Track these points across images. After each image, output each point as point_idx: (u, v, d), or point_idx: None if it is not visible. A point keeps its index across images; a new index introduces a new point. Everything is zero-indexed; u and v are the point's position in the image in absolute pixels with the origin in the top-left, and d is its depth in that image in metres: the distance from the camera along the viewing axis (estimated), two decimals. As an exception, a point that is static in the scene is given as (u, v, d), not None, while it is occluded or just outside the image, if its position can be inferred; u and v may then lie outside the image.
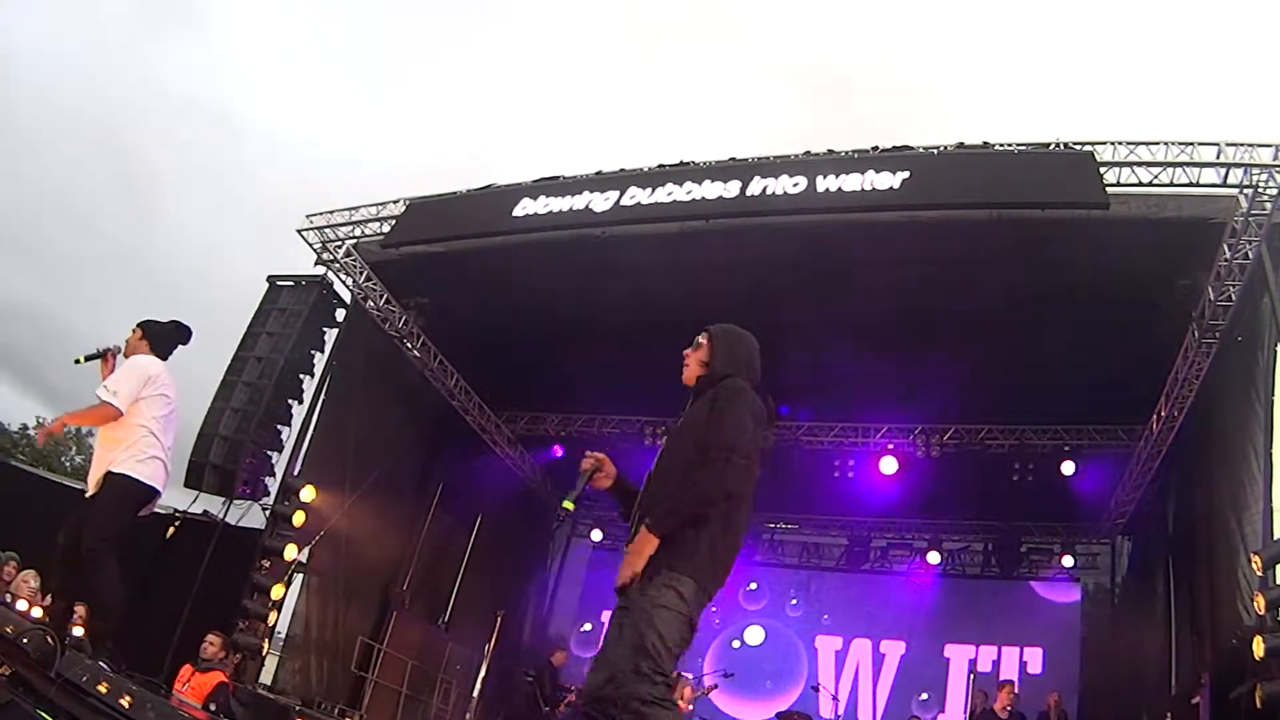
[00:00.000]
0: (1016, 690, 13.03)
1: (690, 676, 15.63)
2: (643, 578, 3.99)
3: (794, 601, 19.40)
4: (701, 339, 4.86)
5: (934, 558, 18.03)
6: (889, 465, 16.31)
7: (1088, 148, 11.50)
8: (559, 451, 19.30)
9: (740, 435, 4.20)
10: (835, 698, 15.44)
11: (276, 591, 14.99)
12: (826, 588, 19.41)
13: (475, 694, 16.82)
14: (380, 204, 16.40)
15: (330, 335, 16.29)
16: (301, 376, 15.86)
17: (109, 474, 6.51)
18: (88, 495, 6.65)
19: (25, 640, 4.80)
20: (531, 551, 21.48)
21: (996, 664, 16.78)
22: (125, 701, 4.58)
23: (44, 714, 4.20)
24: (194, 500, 15.57)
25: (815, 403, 16.22)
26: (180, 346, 7.42)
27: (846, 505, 18.17)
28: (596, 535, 21.78)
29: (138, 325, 7.14)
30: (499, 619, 16.96)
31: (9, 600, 10.14)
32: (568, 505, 4.63)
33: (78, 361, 7.00)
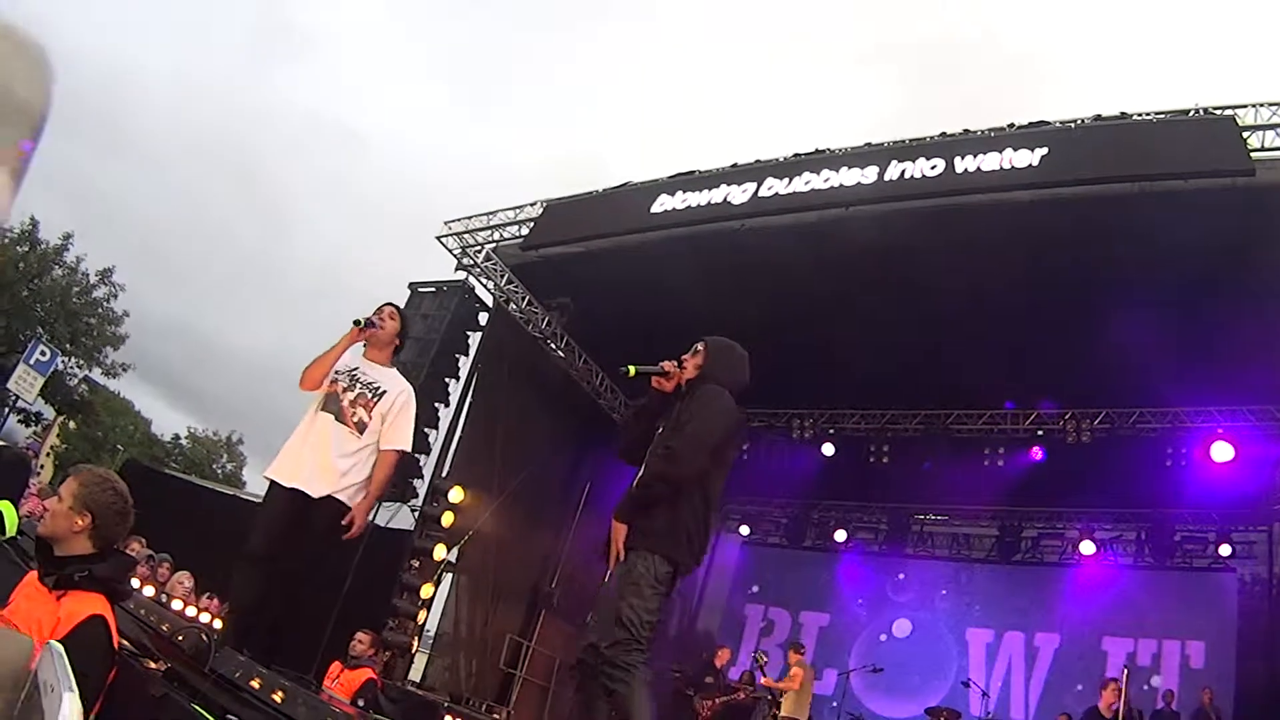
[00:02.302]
0: (1123, 687, 12.76)
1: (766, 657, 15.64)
2: (626, 556, 5.10)
3: (943, 593, 19.02)
4: (699, 346, 5.83)
5: (1087, 547, 17.26)
6: (1037, 452, 16.13)
7: (1228, 112, 11.25)
8: None
9: (707, 431, 5.23)
10: (985, 693, 15.18)
11: (426, 590, 15.66)
12: (976, 580, 18.92)
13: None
14: (517, 207, 17.03)
15: (474, 339, 16.88)
16: (447, 380, 16.42)
17: (341, 503, 6.30)
18: (305, 497, 6.24)
19: (180, 638, 5.11)
20: None
21: (1156, 658, 16.31)
22: (277, 696, 4.64)
23: (198, 708, 4.26)
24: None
25: (963, 390, 16.01)
26: None
27: (997, 494, 17.63)
28: (745, 530, 21.69)
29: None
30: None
31: (165, 600, 10.56)
32: (630, 370, 5.85)
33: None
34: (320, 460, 6.32)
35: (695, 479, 5.19)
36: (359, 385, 6.61)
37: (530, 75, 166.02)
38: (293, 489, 6.25)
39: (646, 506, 5.19)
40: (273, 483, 6.38)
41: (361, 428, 6.50)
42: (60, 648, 1.41)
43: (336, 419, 6.45)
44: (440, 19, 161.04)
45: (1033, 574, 18.41)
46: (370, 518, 16.08)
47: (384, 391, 6.64)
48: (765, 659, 15.20)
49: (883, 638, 18.80)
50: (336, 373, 6.60)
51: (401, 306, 7.17)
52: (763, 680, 14.77)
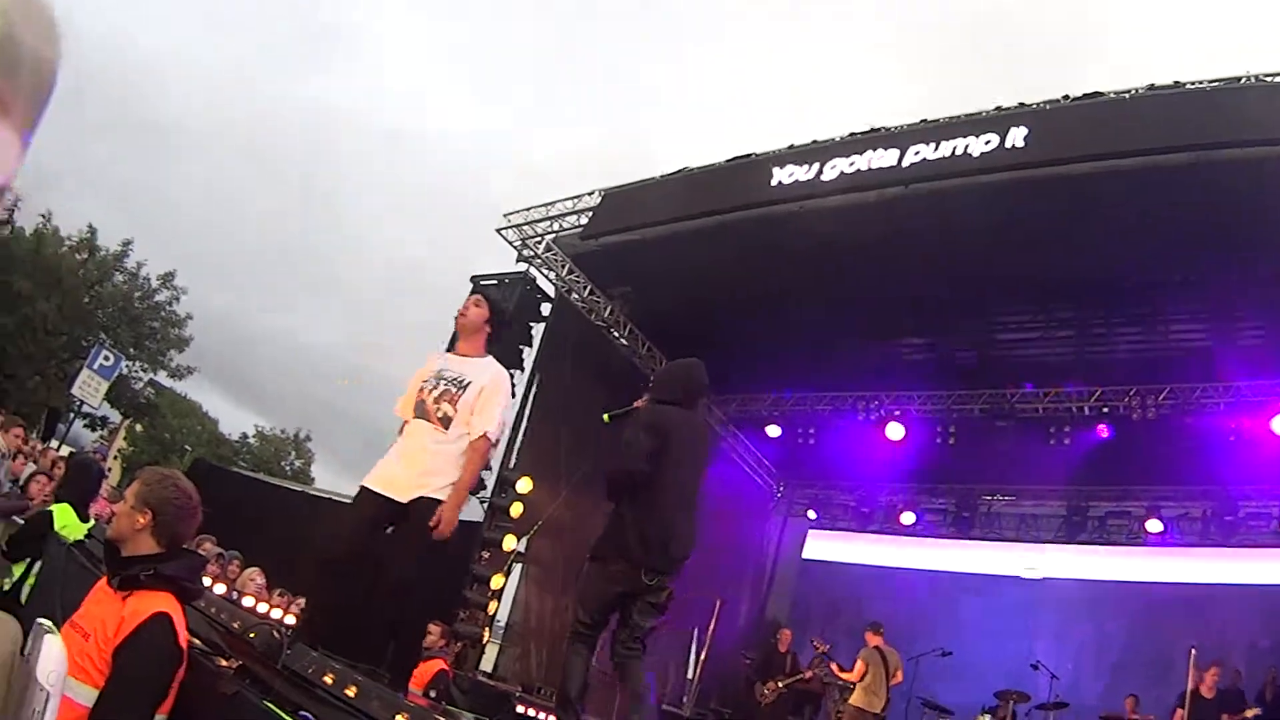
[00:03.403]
0: (1218, 670, 12.71)
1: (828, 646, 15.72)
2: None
3: (1012, 575, 18.98)
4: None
5: (1154, 525, 17.29)
6: (1102, 430, 15.96)
7: (1280, 78, 11.16)
8: (774, 431, 19.41)
9: (625, 445, 6.18)
10: (1055, 676, 15.15)
11: (496, 581, 16.01)
12: (1047, 561, 18.82)
13: (692, 677, 17.23)
14: (575, 197, 17.38)
15: (537, 330, 17.09)
16: (512, 371, 16.52)
17: (432, 500, 6.19)
18: (392, 502, 6.19)
19: (252, 634, 5.19)
20: (748, 533, 21.63)
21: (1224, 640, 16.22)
22: (350, 691, 4.72)
23: (270, 705, 4.23)
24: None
25: (1028, 368, 16.01)
26: None
27: (1064, 474, 17.53)
28: (812, 514, 21.92)
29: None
30: (718, 603, 17.31)
31: (236, 597, 10.75)
32: (606, 417, 6.65)
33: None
34: (407, 462, 6.30)
35: (622, 486, 6.19)
36: (443, 382, 6.48)
37: (578, 66, 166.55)
38: (379, 494, 6.21)
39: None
40: (362, 489, 6.35)
41: (446, 422, 6.37)
42: (47, 637, 1.55)
43: (423, 419, 6.39)
44: (486, 17, 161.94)
45: (1101, 555, 18.31)
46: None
47: (468, 383, 6.46)
48: (824, 647, 15.31)
49: (951, 620, 18.76)
50: (424, 379, 6.54)
51: (484, 294, 6.95)
52: (833, 668, 14.93)
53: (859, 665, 13.89)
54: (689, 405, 6.58)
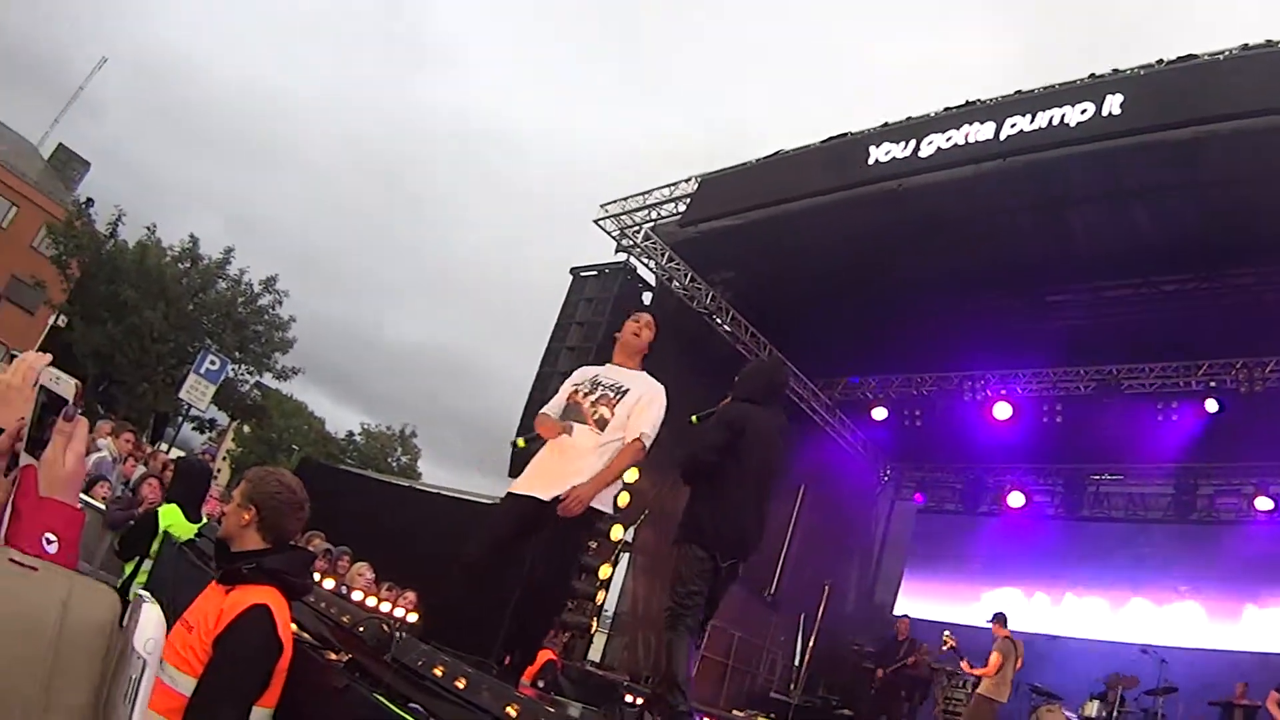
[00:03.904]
0: None
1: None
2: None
3: (1121, 556, 18.62)
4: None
5: (1264, 503, 17.01)
6: (1211, 405, 15.69)
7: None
8: (880, 414, 19.47)
9: (699, 438, 6.52)
10: (1163, 660, 14.94)
11: (604, 571, 16.36)
12: (1154, 541, 18.56)
13: (800, 664, 17.33)
14: (672, 184, 17.57)
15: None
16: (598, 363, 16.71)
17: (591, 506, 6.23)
18: (537, 502, 6.20)
19: (361, 628, 5.26)
20: (855, 518, 21.77)
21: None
22: (460, 683, 4.73)
23: (380, 698, 4.40)
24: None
25: (1134, 343, 15.84)
26: None
27: (1171, 451, 17.33)
28: (920, 497, 22.04)
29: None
30: (826, 589, 17.42)
31: (345, 592, 10.97)
32: (694, 419, 6.76)
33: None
34: (559, 463, 6.29)
35: (693, 475, 6.50)
36: (600, 388, 6.59)
37: (664, 57, 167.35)
38: (526, 495, 6.26)
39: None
40: (507, 494, 6.50)
41: (602, 424, 6.42)
42: (146, 605, 1.68)
43: (579, 422, 6.40)
44: (568, 16, 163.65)
45: (1209, 533, 18.09)
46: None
47: (627, 389, 6.57)
48: (953, 641, 15.24)
49: (1060, 603, 18.77)
50: (577, 384, 6.65)
51: (651, 313, 7.31)
52: (963, 666, 14.77)
53: (994, 658, 13.66)
54: (768, 404, 6.83)
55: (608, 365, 6.85)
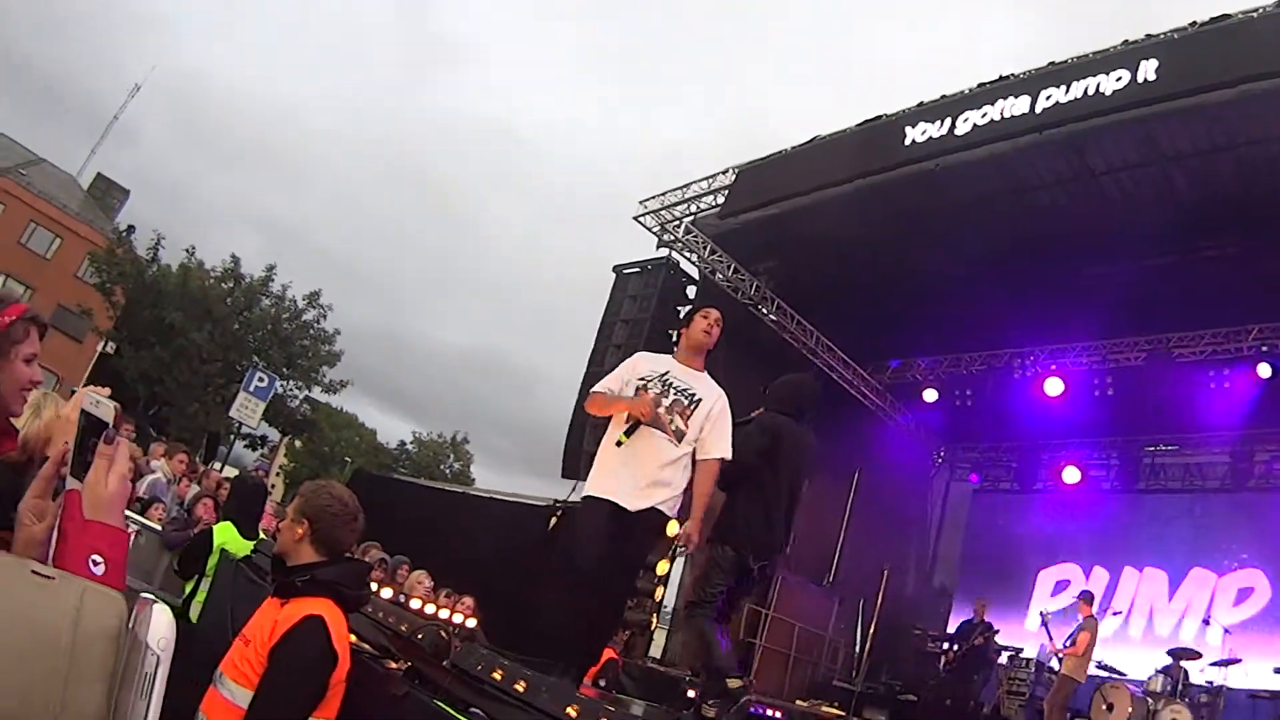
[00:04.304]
0: None
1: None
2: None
3: (1180, 529, 18.46)
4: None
5: None
6: (1263, 370, 15.45)
7: None
8: (931, 396, 19.43)
9: (745, 442, 6.64)
10: (1227, 630, 14.75)
11: (661, 567, 16.49)
12: (1212, 511, 18.31)
13: (862, 651, 17.36)
14: (710, 177, 17.72)
15: (684, 313, 17.22)
16: (662, 356, 16.78)
17: (660, 514, 6.25)
18: (623, 511, 6.17)
19: (420, 635, 5.53)
20: (910, 502, 21.75)
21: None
22: (520, 686, 4.79)
23: (441, 703, 4.48)
24: (572, 490, 16.79)
25: (1179, 312, 15.70)
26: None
27: (1226, 419, 17.14)
28: (975, 477, 22.00)
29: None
30: (885, 574, 17.43)
31: (404, 600, 11.09)
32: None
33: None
34: (641, 473, 6.23)
35: (734, 478, 6.64)
36: (674, 392, 6.43)
37: (686, 52, 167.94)
38: (608, 501, 6.18)
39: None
40: (591, 499, 6.32)
41: (679, 436, 6.35)
42: (155, 606, 1.72)
43: (658, 431, 6.31)
44: (591, 11, 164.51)
45: (1268, 500, 17.71)
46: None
47: (700, 399, 6.46)
48: (1048, 615, 15.20)
49: (1120, 577, 18.67)
50: (646, 379, 6.47)
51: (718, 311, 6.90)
52: (1048, 646, 14.70)
53: (1084, 637, 13.68)
54: (799, 417, 7.13)
55: (672, 361, 6.67)
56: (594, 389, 6.59)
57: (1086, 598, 14.18)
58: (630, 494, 6.17)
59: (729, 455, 6.40)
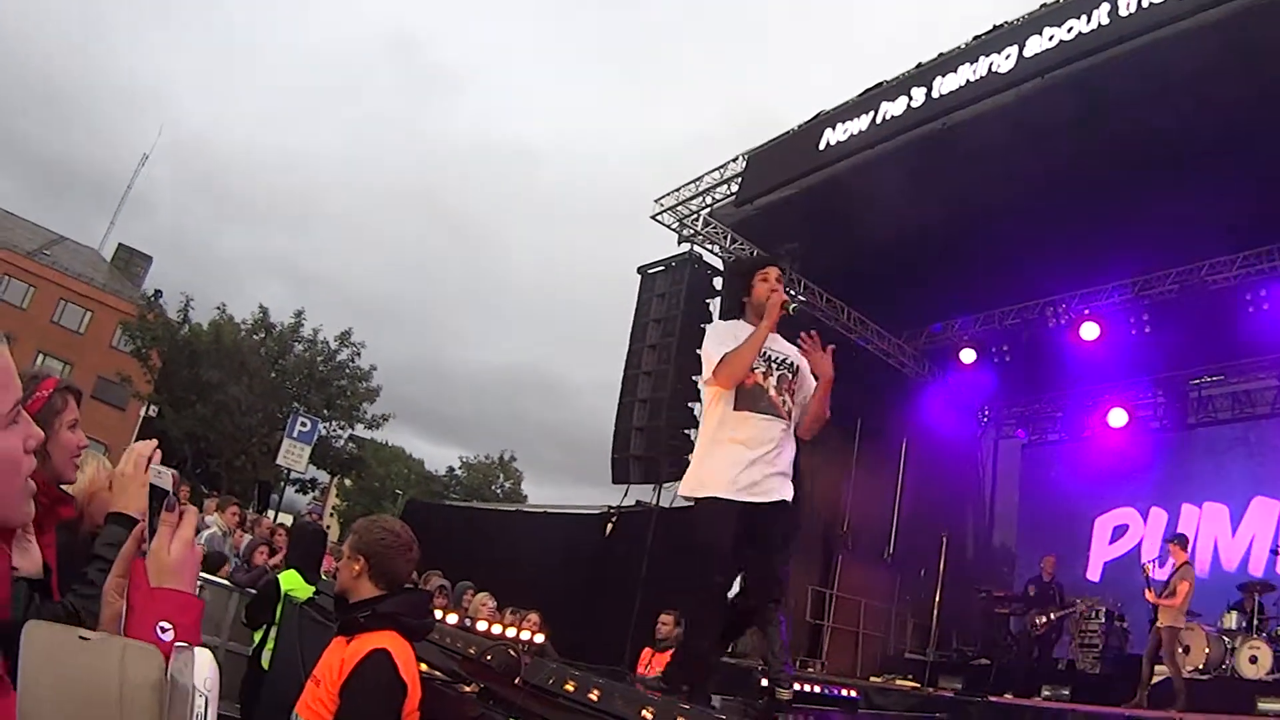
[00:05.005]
0: None
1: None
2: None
3: (1237, 459, 18.09)
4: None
5: None
6: None
7: None
8: (969, 356, 19.31)
9: None
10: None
11: (723, 560, 15.96)
12: (1268, 437, 17.85)
13: (930, 620, 17.30)
14: (721, 166, 17.79)
15: (714, 305, 17.38)
16: (697, 352, 16.81)
17: (789, 506, 6.01)
18: (754, 507, 5.82)
19: (488, 656, 5.54)
20: (961, 465, 21.51)
21: None
22: (594, 695, 4.80)
23: None
24: (625, 494, 16.82)
25: (1206, 235, 15.28)
26: None
27: (1269, 341, 16.67)
28: (1023, 433, 21.88)
29: None
30: (944, 540, 17.37)
31: (469, 623, 11.14)
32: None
33: None
34: (771, 464, 5.87)
35: None
36: (776, 367, 6.07)
37: (673, 48, 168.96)
38: (740, 502, 5.77)
39: None
40: (716, 500, 5.83)
41: (789, 415, 6.07)
42: (196, 651, 1.75)
43: (770, 414, 5.97)
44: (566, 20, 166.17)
45: None
46: (653, 502, 16.93)
47: (797, 366, 6.15)
48: (1148, 568, 14.84)
49: (1180, 516, 18.27)
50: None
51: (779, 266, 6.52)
52: (1147, 595, 13.75)
53: (1183, 587, 12.90)
54: None
55: (752, 329, 6.07)
56: (718, 363, 5.92)
57: (1181, 541, 13.65)
58: (764, 488, 5.83)
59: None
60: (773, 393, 5.98)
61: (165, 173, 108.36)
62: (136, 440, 3.06)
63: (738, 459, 5.84)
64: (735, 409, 5.94)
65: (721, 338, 6.05)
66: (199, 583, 2.03)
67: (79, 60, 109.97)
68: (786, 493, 5.92)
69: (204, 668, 1.67)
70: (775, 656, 6.83)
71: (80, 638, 1.67)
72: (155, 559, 1.92)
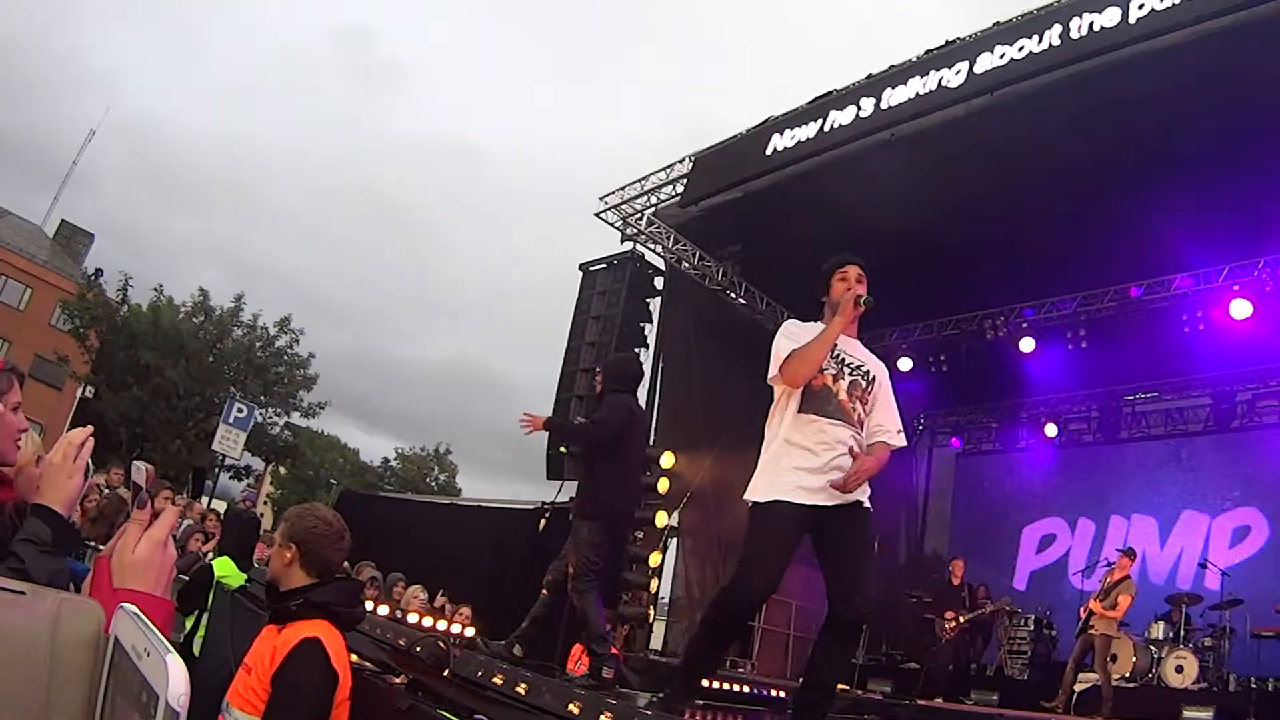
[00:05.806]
0: None
1: None
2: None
3: (1167, 475, 18.25)
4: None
5: None
6: (1237, 309, 15.01)
7: None
8: (906, 365, 19.10)
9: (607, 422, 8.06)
10: (1225, 573, 14.62)
11: (654, 559, 16.62)
12: (1199, 455, 18.08)
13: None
14: (667, 167, 17.69)
15: (654, 304, 17.36)
16: (637, 350, 16.92)
17: (867, 509, 5.88)
18: (821, 511, 5.66)
19: (418, 648, 5.59)
20: (895, 471, 21.08)
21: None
22: (521, 689, 4.81)
23: (445, 713, 4.58)
24: (559, 490, 16.76)
25: (1146, 255, 15.41)
26: None
27: (1203, 361, 16.99)
28: (956, 442, 21.94)
29: None
30: (875, 545, 17.38)
31: (400, 616, 11.14)
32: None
33: None
34: (840, 469, 5.58)
35: (593, 457, 8.24)
36: (849, 372, 5.84)
37: (620, 51, 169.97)
38: (809, 505, 5.59)
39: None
40: (778, 504, 5.62)
41: (862, 422, 5.82)
42: (133, 609, 1.68)
43: (841, 420, 5.71)
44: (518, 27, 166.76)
45: (1255, 438, 17.55)
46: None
47: (874, 376, 5.95)
48: (1089, 572, 14.82)
49: (1108, 528, 18.46)
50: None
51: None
52: (1093, 605, 13.48)
53: (1124, 600, 12.92)
54: (634, 394, 8.57)
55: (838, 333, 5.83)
56: (785, 358, 5.69)
57: (1130, 554, 13.66)
58: (822, 493, 5.58)
59: (903, 441, 5.98)
60: (843, 396, 5.73)
61: (111, 152, 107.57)
62: (72, 422, 2.97)
63: (799, 459, 5.63)
64: (800, 411, 5.72)
65: (794, 335, 5.82)
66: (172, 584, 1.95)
67: (34, 37, 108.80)
68: (859, 494, 5.68)
69: (177, 682, 1.58)
70: (596, 637, 7.81)
71: (11, 591, 1.59)
72: (120, 558, 1.87)
